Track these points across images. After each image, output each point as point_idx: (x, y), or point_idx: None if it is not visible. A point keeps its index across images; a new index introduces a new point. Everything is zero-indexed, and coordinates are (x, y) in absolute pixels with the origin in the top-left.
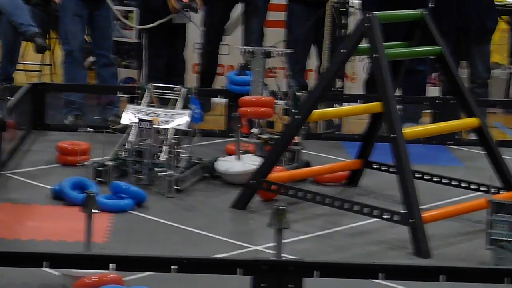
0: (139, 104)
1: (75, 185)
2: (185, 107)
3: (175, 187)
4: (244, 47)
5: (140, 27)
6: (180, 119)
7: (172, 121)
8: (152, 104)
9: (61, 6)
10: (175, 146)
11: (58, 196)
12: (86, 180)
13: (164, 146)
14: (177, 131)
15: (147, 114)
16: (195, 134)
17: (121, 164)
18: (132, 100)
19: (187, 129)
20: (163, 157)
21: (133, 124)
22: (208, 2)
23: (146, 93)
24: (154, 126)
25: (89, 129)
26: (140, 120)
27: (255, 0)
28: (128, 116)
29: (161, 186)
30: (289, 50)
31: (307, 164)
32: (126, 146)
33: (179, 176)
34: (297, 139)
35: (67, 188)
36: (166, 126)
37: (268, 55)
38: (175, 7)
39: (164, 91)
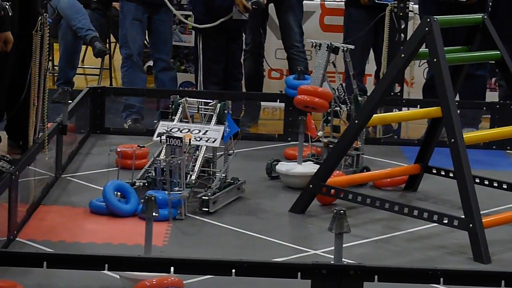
0: (173, 120)
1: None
2: (219, 122)
3: (205, 208)
4: (312, 40)
5: (201, 27)
6: (214, 135)
7: (206, 138)
8: (186, 120)
9: (121, 10)
10: (209, 165)
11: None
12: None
13: (196, 165)
14: (212, 149)
15: (180, 131)
16: (231, 152)
17: (150, 183)
18: (165, 115)
19: (220, 146)
20: (194, 176)
21: (163, 140)
22: None
23: (179, 108)
24: (185, 142)
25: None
26: (168, 137)
27: None
28: (160, 132)
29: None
30: (352, 46)
31: (367, 169)
32: (155, 164)
33: (210, 197)
34: (357, 143)
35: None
36: (198, 143)
37: (335, 50)
38: (247, 6)
39: (199, 105)
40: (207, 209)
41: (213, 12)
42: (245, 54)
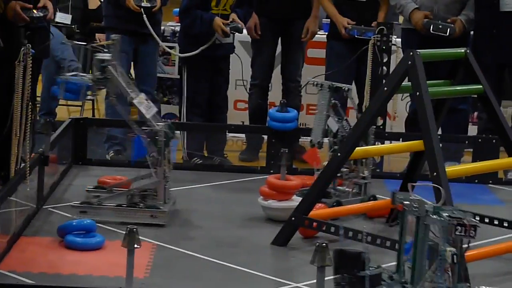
0: None
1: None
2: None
3: None
4: (313, 79)
5: (185, 55)
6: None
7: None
8: None
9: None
10: None
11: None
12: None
13: None
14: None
15: None
16: None
17: None
18: None
19: None
20: None
21: None
22: (254, 40)
23: None
24: None
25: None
26: None
27: (295, 33)
28: None
29: None
30: (351, 86)
31: (374, 197)
32: None
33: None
34: (365, 173)
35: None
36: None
37: (336, 90)
38: (226, 31)
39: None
40: None
41: (194, 40)
42: (252, 88)
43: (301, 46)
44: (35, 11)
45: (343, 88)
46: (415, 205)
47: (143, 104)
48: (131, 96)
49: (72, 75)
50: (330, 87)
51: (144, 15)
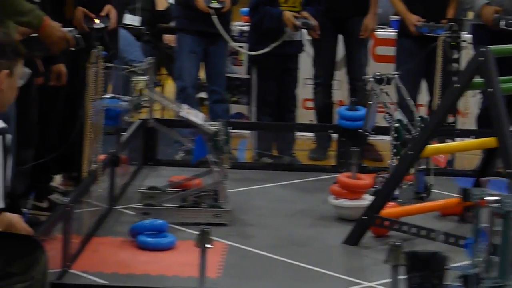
0: None
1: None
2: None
3: None
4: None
5: (255, 53)
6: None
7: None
8: None
9: (177, 42)
10: None
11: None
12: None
13: None
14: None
15: None
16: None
17: None
18: None
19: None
20: None
21: None
22: (314, 40)
23: None
24: None
25: None
26: None
27: (354, 31)
28: None
29: None
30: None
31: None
32: None
33: None
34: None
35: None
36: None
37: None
38: (295, 23)
39: None
40: None
41: (264, 38)
42: (316, 87)
43: (363, 43)
44: (97, 20)
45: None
46: (503, 200)
47: (191, 114)
48: (175, 110)
49: (110, 98)
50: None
51: (214, 16)
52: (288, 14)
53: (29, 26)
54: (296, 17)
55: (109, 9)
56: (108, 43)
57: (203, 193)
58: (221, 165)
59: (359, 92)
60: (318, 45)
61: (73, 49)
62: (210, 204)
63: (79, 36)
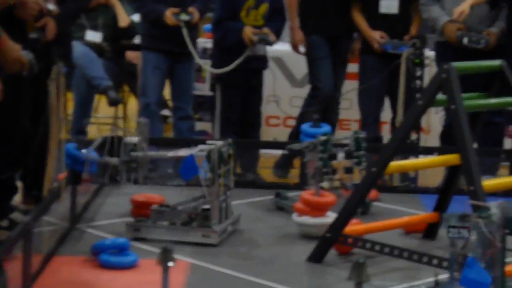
0: None
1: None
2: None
3: None
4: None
5: (219, 71)
6: None
7: None
8: None
9: (143, 59)
10: None
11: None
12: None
13: None
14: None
15: None
16: None
17: None
18: None
19: None
20: None
21: None
22: (311, 58)
23: None
24: None
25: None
26: None
27: (342, 50)
28: None
29: None
30: None
31: None
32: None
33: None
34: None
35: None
36: None
37: None
38: (252, 39)
39: None
40: None
41: (228, 55)
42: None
43: (345, 65)
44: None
45: None
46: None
47: (180, 150)
48: (168, 157)
49: (97, 154)
50: None
51: (184, 29)
52: (246, 30)
53: None
54: (254, 33)
55: (46, 21)
56: (54, 56)
57: (205, 213)
58: (214, 184)
59: (329, 109)
60: (316, 63)
61: (24, 73)
62: (200, 223)
63: (34, 61)
